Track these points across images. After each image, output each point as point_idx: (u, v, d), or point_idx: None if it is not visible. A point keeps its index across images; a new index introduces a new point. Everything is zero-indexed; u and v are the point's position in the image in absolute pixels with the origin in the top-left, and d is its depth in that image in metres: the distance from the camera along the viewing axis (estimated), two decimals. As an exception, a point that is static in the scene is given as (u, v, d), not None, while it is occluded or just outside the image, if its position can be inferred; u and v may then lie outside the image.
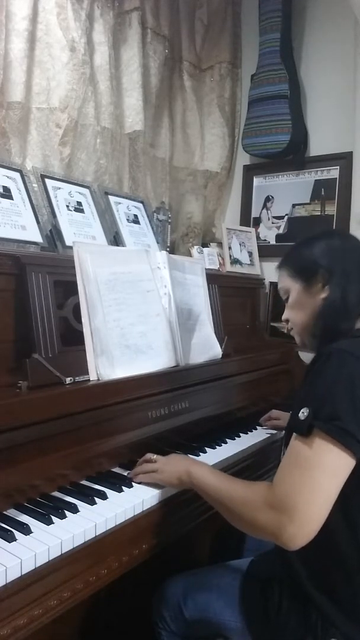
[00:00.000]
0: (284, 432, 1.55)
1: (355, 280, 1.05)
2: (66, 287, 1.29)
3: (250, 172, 2.47)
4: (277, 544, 0.88)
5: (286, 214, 2.35)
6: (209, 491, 1.02)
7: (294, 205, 2.33)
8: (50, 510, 0.98)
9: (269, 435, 1.55)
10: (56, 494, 1.07)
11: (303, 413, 0.89)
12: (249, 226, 2.44)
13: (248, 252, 2.35)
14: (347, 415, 0.85)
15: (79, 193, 1.69)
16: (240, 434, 1.53)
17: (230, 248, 2.27)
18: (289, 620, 0.99)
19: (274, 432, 1.58)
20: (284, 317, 1.17)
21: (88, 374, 1.23)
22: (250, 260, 2.35)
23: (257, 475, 1.43)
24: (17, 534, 0.89)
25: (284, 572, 1.03)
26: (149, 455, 1.18)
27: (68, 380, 1.17)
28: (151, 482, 1.13)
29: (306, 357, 2.15)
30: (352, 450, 0.84)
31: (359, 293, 1.04)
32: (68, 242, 1.51)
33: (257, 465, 1.44)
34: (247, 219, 2.48)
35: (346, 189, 2.13)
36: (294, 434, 0.90)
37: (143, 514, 1.06)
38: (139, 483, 1.14)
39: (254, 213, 2.46)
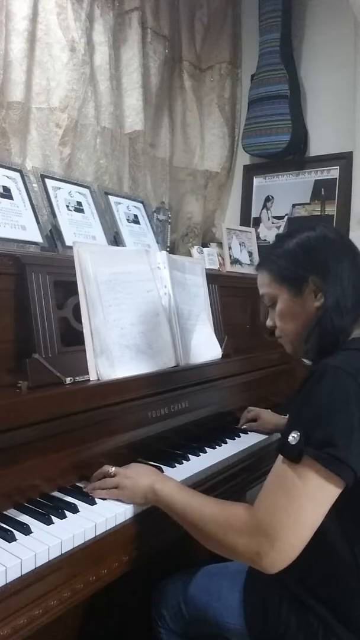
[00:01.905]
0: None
1: (348, 278, 0.97)
2: (66, 287, 1.29)
3: (250, 172, 2.48)
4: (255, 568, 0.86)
5: (286, 214, 2.35)
6: (178, 510, 0.96)
7: (294, 205, 2.33)
8: (50, 510, 0.98)
9: (268, 435, 1.55)
10: (56, 494, 1.07)
11: (294, 437, 0.83)
12: (249, 226, 2.44)
13: (248, 252, 2.35)
14: (341, 440, 0.80)
15: (79, 193, 1.69)
16: (241, 434, 1.53)
17: (230, 248, 2.27)
18: (289, 625, 0.98)
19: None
20: (269, 323, 1.09)
21: (88, 374, 1.22)
22: (250, 260, 2.34)
23: (257, 475, 1.43)
24: (17, 534, 0.89)
25: (284, 578, 1.01)
26: (107, 468, 1.09)
27: (68, 380, 1.17)
28: (112, 498, 1.04)
29: (306, 357, 2.15)
30: (342, 478, 0.80)
31: (354, 293, 0.97)
32: (68, 242, 1.51)
33: (257, 465, 1.44)
34: (247, 219, 2.48)
35: (346, 189, 2.14)
36: (281, 456, 0.85)
37: (143, 514, 1.06)
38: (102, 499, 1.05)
39: (254, 213, 2.46)
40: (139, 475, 1.05)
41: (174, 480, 1.04)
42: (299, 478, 0.82)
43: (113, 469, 1.09)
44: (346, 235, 1.03)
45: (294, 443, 0.83)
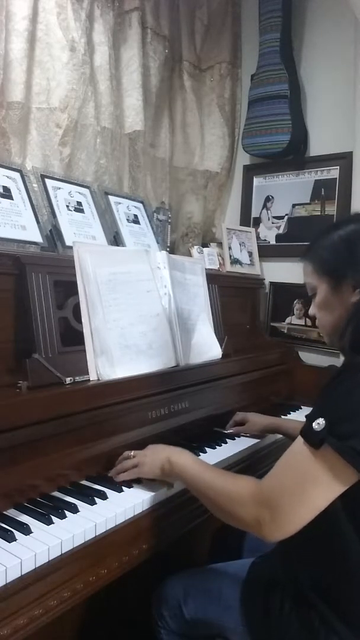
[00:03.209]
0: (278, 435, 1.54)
1: None
2: (66, 287, 1.29)
3: (250, 172, 2.47)
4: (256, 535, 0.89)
5: (286, 214, 2.35)
6: (192, 479, 1.02)
7: (294, 205, 2.33)
8: (50, 510, 0.98)
9: (261, 439, 1.54)
10: (56, 494, 1.07)
11: (318, 424, 0.83)
12: (249, 226, 2.44)
13: (248, 252, 2.35)
14: None
15: (79, 193, 1.69)
16: (240, 434, 1.53)
17: (230, 248, 2.27)
18: (290, 625, 0.98)
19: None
20: (311, 311, 1.08)
21: (88, 374, 1.23)
22: (250, 260, 2.35)
23: (257, 475, 1.43)
24: (17, 534, 0.90)
25: (285, 578, 1.02)
26: (127, 453, 1.17)
27: (68, 380, 1.17)
28: (134, 478, 1.13)
29: (307, 357, 2.15)
30: (358, 470, 0.80)
31: None
32: (68, 242, 1.51)
33: (257, 465, 1.44)
34: (247, 219, 2.47)
35: (346, 189, 2.13)
36: (301, 438, 0.86)
37: (143, 514, 1.06)
38: (128, 486, 1.13)
39: (254, 213, 2.46)
40: (156, 451, 1.13)
41: (188, 453, 1.10)
42: (314, 464, 0.83)
43: (132, 452, 1.16)
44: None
45: (317, 430, 0.83)
